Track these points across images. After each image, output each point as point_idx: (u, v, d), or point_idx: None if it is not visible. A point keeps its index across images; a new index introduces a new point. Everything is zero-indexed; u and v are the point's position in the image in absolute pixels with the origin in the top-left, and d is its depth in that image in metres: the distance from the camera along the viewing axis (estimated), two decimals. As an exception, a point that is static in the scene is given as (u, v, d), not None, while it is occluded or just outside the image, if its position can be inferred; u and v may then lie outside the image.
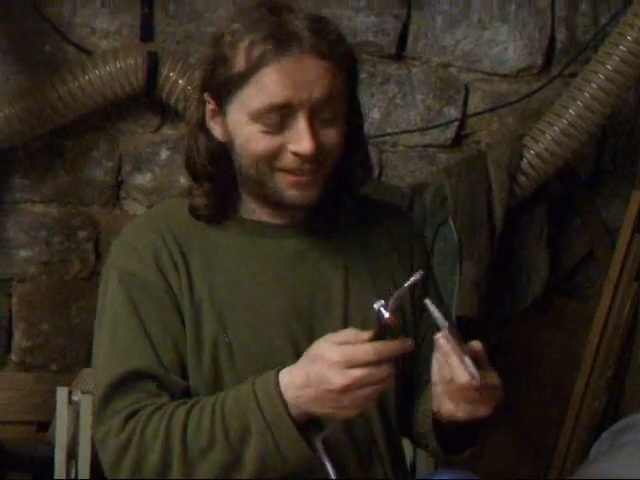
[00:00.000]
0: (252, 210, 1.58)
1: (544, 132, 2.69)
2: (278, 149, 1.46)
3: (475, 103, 2.89)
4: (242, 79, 1.44)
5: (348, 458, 1.54)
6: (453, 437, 1.51)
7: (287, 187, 1.49)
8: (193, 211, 1.57)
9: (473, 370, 1.32)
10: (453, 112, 2.88)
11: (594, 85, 2.62)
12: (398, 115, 2.87)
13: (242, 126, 1.47)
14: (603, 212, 2.99)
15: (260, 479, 1.38)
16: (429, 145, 2.90)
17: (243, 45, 1.43)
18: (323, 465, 1.35)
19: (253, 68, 1.42)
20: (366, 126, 2.74)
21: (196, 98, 1.54)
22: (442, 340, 1.35)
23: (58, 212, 2.82)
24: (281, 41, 1.41)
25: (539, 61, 2.87)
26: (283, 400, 1.35)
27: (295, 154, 1.46)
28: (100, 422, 1.46)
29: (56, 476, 2.36)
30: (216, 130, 1.53)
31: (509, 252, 2.84)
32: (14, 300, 2.83)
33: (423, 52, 2.86)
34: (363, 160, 1.61)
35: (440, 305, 1.61)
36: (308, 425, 1.37)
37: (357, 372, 1.30)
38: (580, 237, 2.99)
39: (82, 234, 2.84)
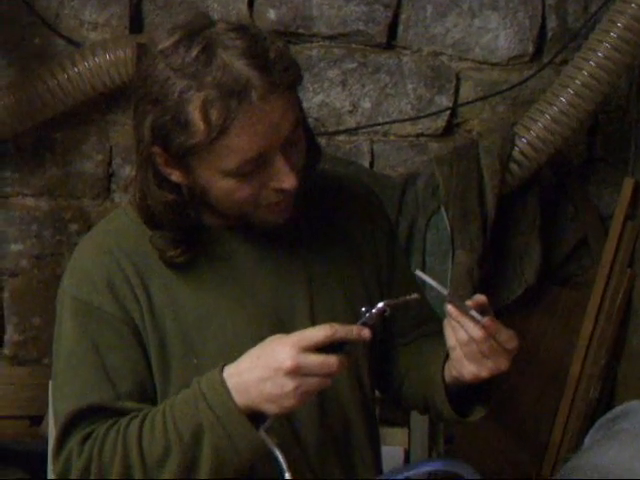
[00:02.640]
0: (208, 218, 1.51)
1: (536, 120, 2.69)
2: (259, 190, 1.40)
3: (466, 92, 2.89)
4: (205, 146, 1.34)
5: (325, 449, 1.54)
6: (462, 399, 1.54)
7: (273, 216, 1.46)
8: (159, 254, 1.47)
9: (479, 316, 1.37)
10: (444, 101, 2.87)
11: (585, 72, 2.62)
12: (389, 104, 2.86)
13: (215, 182, 1.39)
14: (595, 200, 2.98)
15: (219, 477, 1.37)
16: (420, 134, 2.89)
17: (195, 106, 1.32)
18: (274, 455, 1.33)
19: (216, 134, 1.32)
20: (357, 116, 2.86)
21: (143, 149, 1.40)
22: (450, 306, 1.39)
23: (49, 205, 2.82)
24: (235, 94, 1.30)
25: (530, 49, 2.86)
26: (227, 389, 1.33)
27: (279, 190, 1.40)
28: (59, 453, 1.43)
29: (49, 470, 2.35)
30: (174, 175, 1.42)
31: (501, 241, 2.84)
32: (6, 294, 2.83)
33: (414, 41, 2.85)
34: (312, 145, 1.51)
35: (411, 276, 1.67)
36: (256, 416, 1.34)
37: (308, 357, 1.29)
38: (573, 225, 2.98)
39: (73, 227, 2.84)
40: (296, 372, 1.29)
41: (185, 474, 1.36)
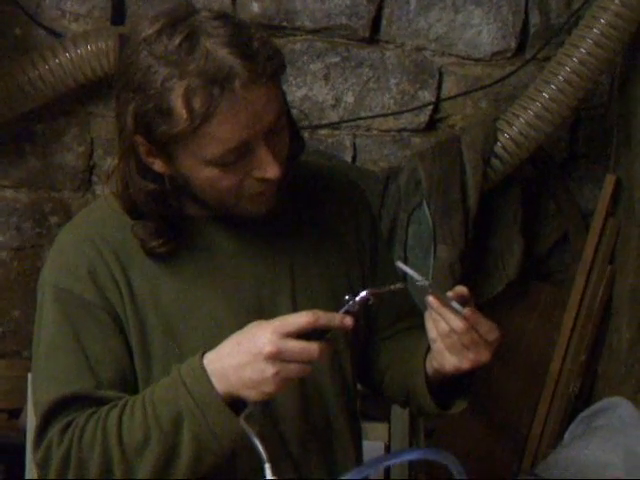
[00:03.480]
0: (190, 208, 1.52)
1: (518, 116, 2.68)
2: (242, 180, 1.41)
3: (449, 87, 2.88)
4: (188, 135, 1.34)
5: (306, 441, 1.56)
6: (443, 392, 1.55)
7: (255, 207, 1.46)
8: (141, 244, 1.48)
9: (460, 308, 1.38)
10: (427, 96, 2.86)
11: (568, 68, 2.61)
12: (372, 99, 2.85)
13: (198, 171, 1.40)
14: (577, 196, 2.97)
15: (199, 465, 1.37)
16: (403, 129, 2.88)
17: (178, 94, 1.32)
18: (252, 443, 1.33)
19: (199, 122, 1.32)
20: (340, 110, 2.85)
21: (125, 138, 1.41)
22: (431, 298, 1.40)
23: (29, 197, 2.81)
24: (218, 82, 1.31)
25: (513, 45, 2.84)
26: (207, 375, 1.33)
27: (262, 180, 1.41)
28: (39, 443, 1.43)
29: (27, 463, 2.34)
30: (156, 164, 1.42)
31: (483, 236, 2.83)
32: (-15, 286, 2.81)
33: (397, 35, 2.83)
34: (296, 135, 1.53)
35: (393, 269, 1.68)
36: (237, 404, 1.34)
37: (288, 342, 1.30)
38: (554, 221, 2.98)
39: (53, 219, 2.83)
40: (276, 357, 1.29)
41: (165, 461, 1.36)
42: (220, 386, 1.33)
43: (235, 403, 1.34)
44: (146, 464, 1.36)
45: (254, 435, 1.33)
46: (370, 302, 1.35)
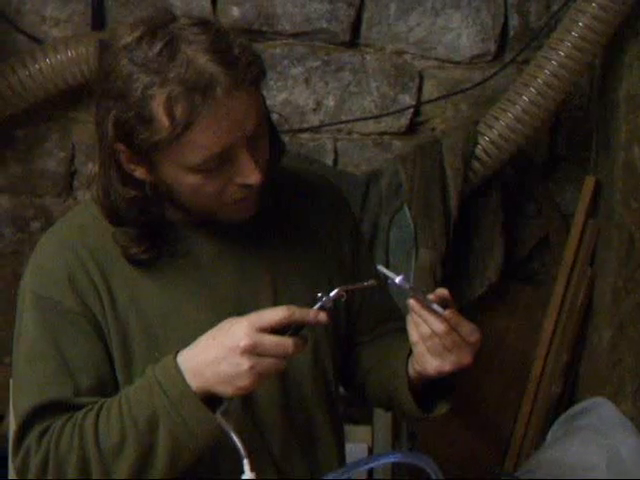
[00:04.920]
0: (171, 214, 1.52)
1: (498, 119, 2.69)
2: (224, 186, 1.41)
3: (429, 90, 2.88)
4: (170, 142, 1.34)
5: (288, 443, 1.56)
6: (425, 396, 1.56)
7: (238, 213, 1.47)
8: (122, 251, 1.48)
9: (441, 310, 1.39)
10: (407, 99, 2.86)
11: (547, 71, 2.62)
12: (352, 103, 2.85)
13: (179, 178, 1.40)
14: (557, 197, 2.98)
15: (176, 463, 1.37)
16: (384, 132, 2.89)
17: (159, 102, 1.32)
18: (230, 439, 1.33)
19: (180, 130, 1.32)
20: (320, 114, 2.85)
21: (106, 146, 1.40)
22: (412, 301, 1.40)
23: (10, 203, 2.81)
24: (199, 89, 1.30)
25: (492, 48, 2.85)
26: (181, 373, 1.34)
27: (244, 186, 1.41)
28: (17, 449, 1.43)
29: (10, 469, 2.33)
30: (137, 172, 1.42)
31: (464, 238, 2.83)
32: (-34, 292, 2.79)
33: (377, 39, 2.84)
34: (276, 140, 1.53)
35: (375, 273, 1.64)
36: (213, 400, 1.35)
37: (264, 336, 1.30)
38: (534, 223, 2.98)
39: (35, 225, 2.83)
40: (252, 351, 1.30)
41: (142, 461, 1.36)
42: (195, 383, 1.33)
43: (211, 400, 1.34)
44: (123, 465, 1.36)
45: (231, 430, 1.32)
46: (343, 299, 1.36)
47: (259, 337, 1.30)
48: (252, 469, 1.30)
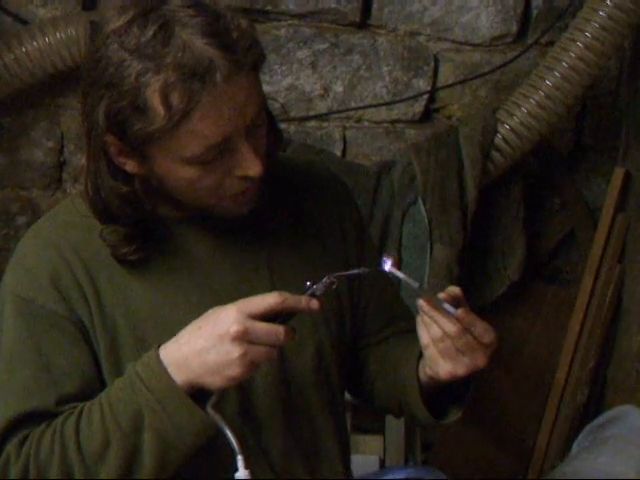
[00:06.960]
0: (162, 209, 1.50)
1: (519, 105, 2.65)
2: (222, 179, 1.39)
3: (445, 75, 2.84)
4: (166, 132, 1.32)
5: (290, 454, 1.54)
6: (437, 401, 1.55)
7: (237, 207, 1.45)
8: (111, 251, 1.46)
9: (453, 309, 1.37)
10: (422, 84, 2.82)
11: (572, 54, 2.58)
12: (363, 88, 2.81)
13: (175, 171, 1.38)
14: (583, 191, 2.96)
15: (165, 464, 1.35)
16: (396, 120, 2.85)
17: (154, 90, 1.29)
18: (223, 432, 1.31)
19: (177, 119, 1.30)
20: (328, 101, 2.79)
21: (96, 138, 1.38)
22: (422, 301, 1.38)
23: (-5, 196, 2.79)
24: (197, 75, 1.29)
25: (514, 29, 2.81)
26: (164, 367, 1.32)
27: (244, 178, 1.39)
28: None
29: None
30: (128, 165, 1.40)
31: (483, 234, 2.81)
32: (-52, 291, 2.76)
33: (389, 20, 2.79)
34: (274, 129, 1.51)
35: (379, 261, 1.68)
36: (200, 395, 1.33)
37: (255, 323, 1.29)
38: (559, 218, 2.96)
39: (21, 220, 2.80)
40: (243, 338, 1.28)
41: (128, 463, 1.35)
42: (180, 376, 1.32)
43: (199, 395, 1.33)
44: (108, 469, 1.35)
45: (224, 425, 1.31)
46: (334, 286, 1.35)
47: (250, 323, 1.29)
48: (247, 467, 1.29)
